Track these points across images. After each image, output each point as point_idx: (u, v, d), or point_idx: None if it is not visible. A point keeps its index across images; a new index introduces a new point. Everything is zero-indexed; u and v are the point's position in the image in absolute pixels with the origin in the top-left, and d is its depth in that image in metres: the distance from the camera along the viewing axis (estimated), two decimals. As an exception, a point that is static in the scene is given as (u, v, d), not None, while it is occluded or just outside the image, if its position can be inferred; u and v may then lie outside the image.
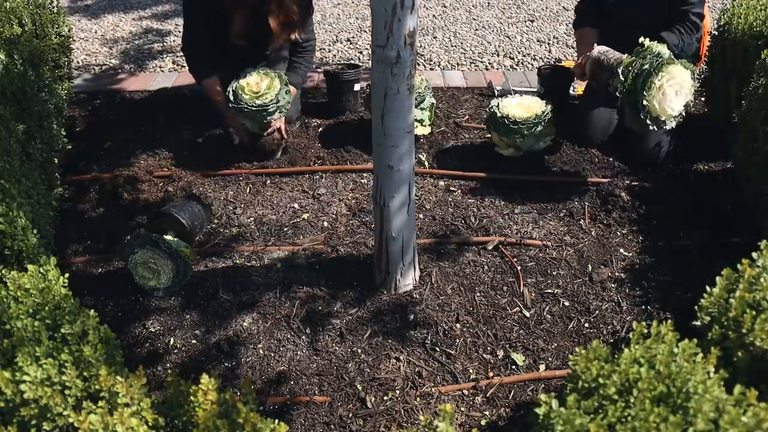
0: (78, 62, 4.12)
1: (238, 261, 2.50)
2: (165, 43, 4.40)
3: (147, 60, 4.17)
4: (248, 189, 2.91)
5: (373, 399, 1.96)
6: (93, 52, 4.29)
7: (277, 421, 1.12)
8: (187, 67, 3.23)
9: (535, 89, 3.51)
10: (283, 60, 3.25)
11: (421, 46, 4.34)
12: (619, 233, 2.62)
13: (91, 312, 1.41)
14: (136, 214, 2.75)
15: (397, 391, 1.99)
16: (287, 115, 3.05)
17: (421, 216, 2.72)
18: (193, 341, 2.17)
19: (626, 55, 2.60)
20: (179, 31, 4.58)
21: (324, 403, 1.95)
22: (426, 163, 3.08)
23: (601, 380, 1.16)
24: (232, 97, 2.90)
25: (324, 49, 4.35)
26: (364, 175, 2.99)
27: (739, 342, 1.32)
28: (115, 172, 2.97)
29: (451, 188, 2.90)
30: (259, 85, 2.91)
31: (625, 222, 2.67)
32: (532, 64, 4.10)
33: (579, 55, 3.00)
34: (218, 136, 3.29)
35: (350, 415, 1.91)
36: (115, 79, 3.90)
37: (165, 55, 4.23)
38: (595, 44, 2.85)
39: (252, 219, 2.72)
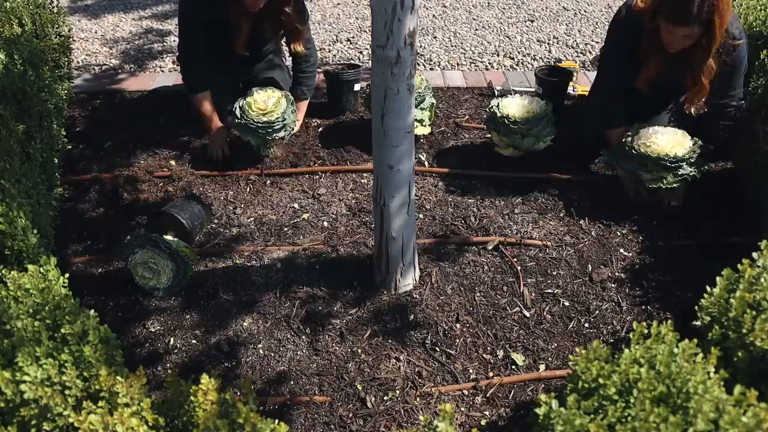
0: (78, 62, 4.11)
1: (238, 261, 2.50)
2: (165, 43, 4.40)
3: (147, 60, 4.17)
4: (248, 189, 2.91)
5: (373, 399, 1.96)
6: (93, 52, 4.29)
7: (277, 421, 1.12)
8: (181, 76, 3.26)
9: (535, 89, 3.51)
10: (278, 67, 3.27)
11: (421, 46, 4.33)
12: (619, 233, 2.62)
13: (91, 312, 1.41)
14: (136, 214, 2.75)
15: (397, 391, 1.99)
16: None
17: (421, 216, 2.72)
18: (194, 341, 2.17)
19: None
20: (179, 31, 4.58)
21: (324, 403, 1.95)
22: (426, 163, 3.08)
23: (601, 380, 1.16)
24: (239, 113, 2.94)
25: (324, 49, 4.35)
26: (364, 175, 2.99)
27: (740, 342, 1.32)
28: (115, 172, 2.97)
29: (451, 188, 2.90)
30: (266, 103, 2.97)
31: (625, 222, 2.67)
32: (532, 64, 4.09)
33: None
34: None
35: (350, 415, 1.91)
36: (115, 79, 3.90)
37: (165, 55, 4.23)
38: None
39: (252, 219, 2.72)
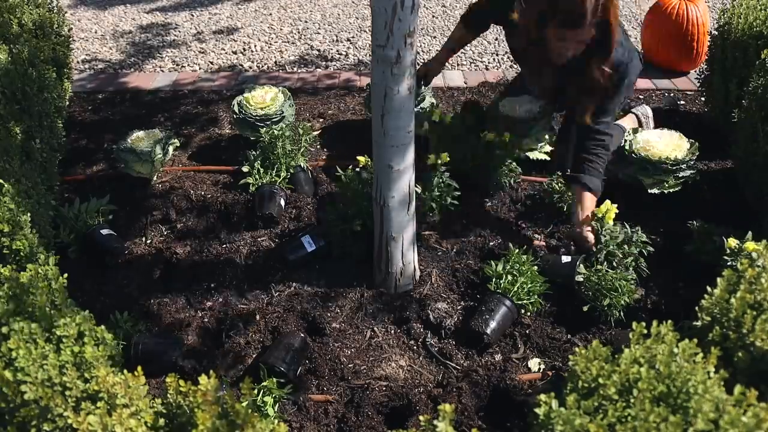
0: (78, 61, 4.11)
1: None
2: (165, 43, 4.40)
3: (147, 59, 4.17)
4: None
5: (372, 399, 1.96)
6: (93, 51, 4.29)
7: (277, 421, 1.12)
8: None
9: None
10: None
11: (421, 46, 4.33)
12: (619, 233, 2.61)
13: (86, 312, 1.41)
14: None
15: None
16: None
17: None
18: (194, 342, 2.17)
19: None
20: (179, 31, 4.58)
21: (323, 402, 1.95)
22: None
23: (601, 380, 1.16)
24: (237, 109, 3.01)
25: (323, 49, 4.35)
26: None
27: (740, 342, 1.32)
28: (115, 172, 2.97)
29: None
30: (263, 98, 3.06)
31: (623, 221, 2.66)
32: (532, 64, 4.09)
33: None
34: (217, 135, 3.29)
35: (349, 413, 1.91)
36: (115, 79, 3.90)
37: (165, 55, 4.23)
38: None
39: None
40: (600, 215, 2.36)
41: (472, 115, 2.91)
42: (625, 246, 2.35)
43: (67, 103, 3.31)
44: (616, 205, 2.39)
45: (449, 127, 2.80)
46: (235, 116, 3.00)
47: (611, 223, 2.37)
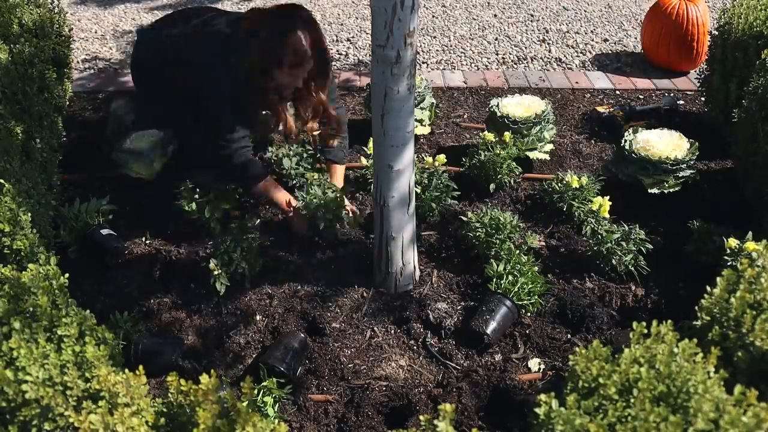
0: (78, 61, 4.11)
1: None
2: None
3: (147, 60, 4.17)
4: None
5: (371, 400, 1.96)
6: (93, 51, 4.28)
7: (277, 421, 1.12)
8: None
9: (534, 88, 3.50)
10: None
11: (421, 46, 4.33)
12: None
13: (88, 312, 1.41)
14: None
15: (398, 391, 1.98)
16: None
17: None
18: (194, 342, 2.17)
19: None
20: (179, 31, 4.57)
21: (323, 402, 1.95)
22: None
23: (601, 380, 1.16)
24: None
25: (324, 48, 4.35)
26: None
27: (740, 342, 1.32)
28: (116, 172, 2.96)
29: (451, 188, 2.90)
30: None
31: (625, 221, 2.67)
32: (533, 64, 4.09)
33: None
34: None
35: (349, 413, 1.91)
36: (116, 78, 3.90)
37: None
38: None
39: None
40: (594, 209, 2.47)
41: None
42: (623, 243, 2.36)
43: (67, 102, 3.31)
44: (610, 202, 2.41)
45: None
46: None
47: (606, 217, 2.46)
